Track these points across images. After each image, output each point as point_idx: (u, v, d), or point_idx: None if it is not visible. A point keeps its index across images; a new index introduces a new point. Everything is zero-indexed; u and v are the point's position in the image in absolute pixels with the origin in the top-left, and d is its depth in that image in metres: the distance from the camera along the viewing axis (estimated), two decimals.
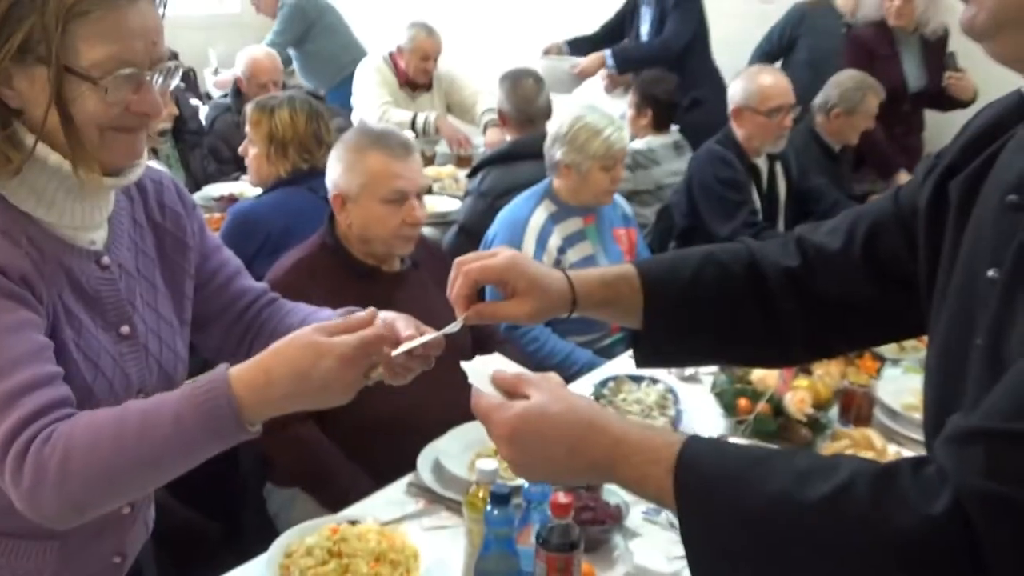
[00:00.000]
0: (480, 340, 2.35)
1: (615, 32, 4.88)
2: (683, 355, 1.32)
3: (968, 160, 0.99)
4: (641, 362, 1.26)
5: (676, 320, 1.20)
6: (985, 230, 0.92)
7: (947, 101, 4.32)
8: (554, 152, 2.79)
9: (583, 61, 4.58)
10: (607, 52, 4.57)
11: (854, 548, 0.77)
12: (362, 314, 1.15)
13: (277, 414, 1.11)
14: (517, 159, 3.27)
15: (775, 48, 4.65)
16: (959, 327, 0.94)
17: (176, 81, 1.21)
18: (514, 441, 0.93)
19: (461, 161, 4.42)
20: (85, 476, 1.05)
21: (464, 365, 1.03)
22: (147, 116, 1.17)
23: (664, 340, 1.21)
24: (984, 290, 0.89)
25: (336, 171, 2.20)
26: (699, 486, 0.86)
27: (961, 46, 4.26)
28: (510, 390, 0.97)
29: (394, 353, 1.24)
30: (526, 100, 3.50)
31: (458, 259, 1.16)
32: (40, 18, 1.06)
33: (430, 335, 1.24)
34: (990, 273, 0.89)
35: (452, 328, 1.18)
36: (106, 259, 1.25)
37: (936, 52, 4.33)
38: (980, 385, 0.86)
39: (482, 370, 1.01)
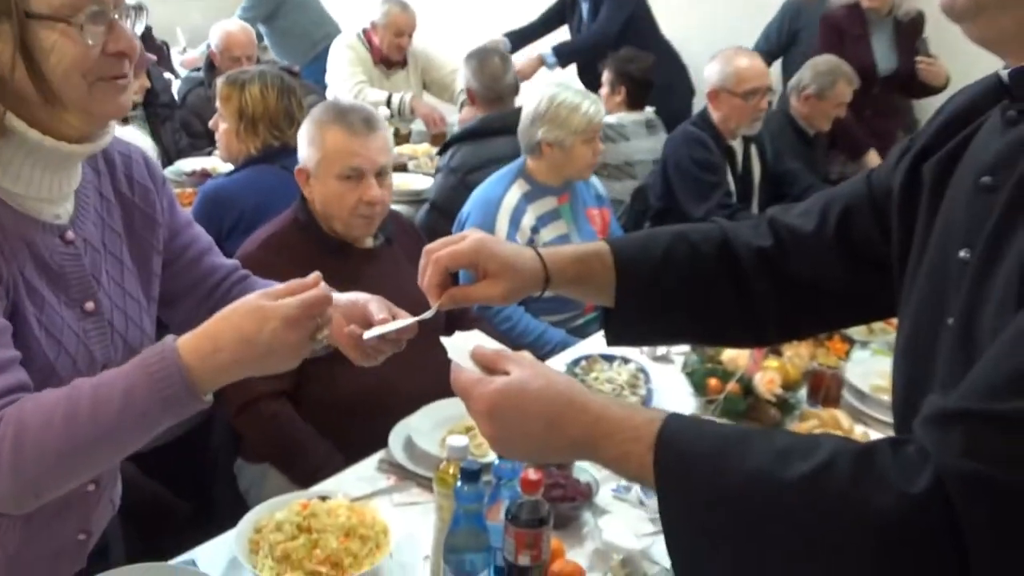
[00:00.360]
0: (453, 319, 2.35)
1: (554, 21, 4.96)
2: (654, 334, 1.32)
3: (942, 142, 1.00)
4: (612, 340, 1.26)
5: (648, 298, 1.20)
6: (958, 211, 0.93)
7: (918, 87, 4.34)
8: (534, 132, 2.79)
9: (519, 63, 4.61)
10: (545, 53, 4.67)
11: (833, 527, 0.77)
12: (307, 278, 1.14)
13: (228, 381, 1.11)
14: (488, 135, 3.27)
15: (775, 47, 4.63)
16: (930, 308, 0.94)
17: (142, 24, 1.18)
18: (493, 417, 0.92)
19: (435, 139, 4.40)
20: (39, 458, 1.03)
21: (444, 340, 1.03)
22: (125, 55, 1.15)
23: (635, 318, 1.21)
24: (956, 271, 0.90)
25: (302, 145, 2.20)
26: (678, 464, 0.85)
27: (934, 33, 4.28)
28: (490, 366, 0.97)
29: (366, 336, 1.24)
30: (494, 78, 3.50)
31: (426, 247, 1.16)
32: None
33: (403, 321, 1.24)
34: (962, 254, 0.89)
35: (426, 315, 1.18)
36: (70, 234, 1.23)
37: (908, 36, 4.33)
38: (951, 365, 0.87)
39: (461, 346, 1.00)
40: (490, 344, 1.01)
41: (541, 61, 4.69)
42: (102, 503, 1.39)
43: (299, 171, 2.18)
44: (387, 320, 1.25)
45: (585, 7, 4.71)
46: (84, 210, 1.26)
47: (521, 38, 4.83)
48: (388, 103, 4.40)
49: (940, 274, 0.94)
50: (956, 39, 0.89)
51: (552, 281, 1.18)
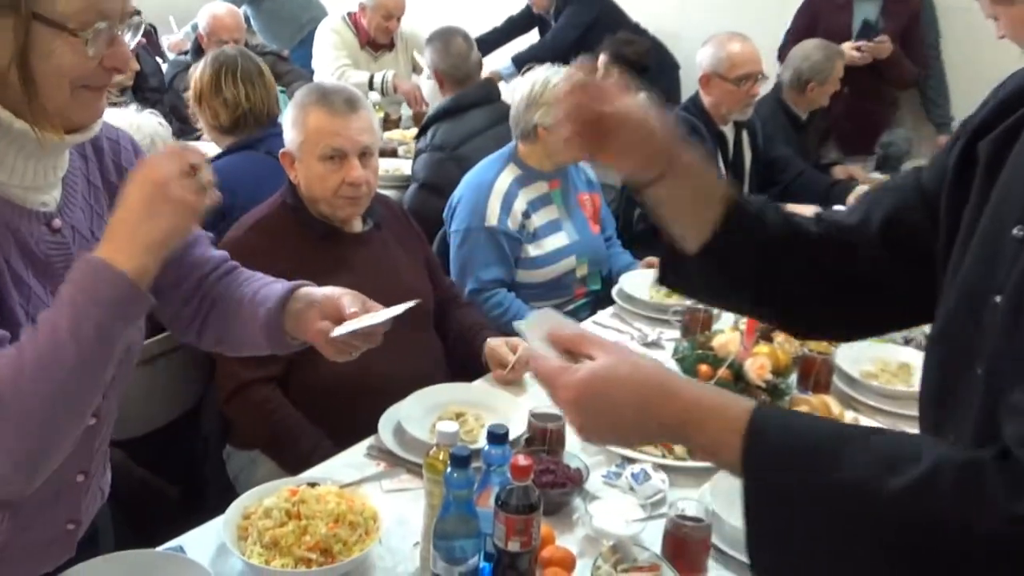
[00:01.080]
0: (443, 304, 2.35)
1: (517, 30, 5.06)
2: (726, 286, 1.17)
3: (999, 120, 0.97)
4: (669, 277, 1.16)
5: (751, 236, 1.10)
6: (1015, 187, 0.91)
7: (893, 71, 4.28)
8: (530, 117, 2.77)
9: None
10: (500, 68, 4.78)
11: (935, 543, 0.76)
12: None
13: (144, 253, 1.10)
14: (465, 109, 3.29)
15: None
16: (976, 285, 0.92)
17: (139, 36, 1.18)
18: (581, 406, 0.92)
19: (416, 118, 4.38)
20: (23, 413, 1.03)
21: (516, 324, 1.02)
22: (118, 71, 1.14)
23: (738, 255, 1.10)
24: (1010, 248, 0.88)
25: (286, 128, 2.18)
26: (772, 460, 0.83)
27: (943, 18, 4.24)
28: (572, 349, 0.95)
29: (333, 334, 1.23)
30: (461, 57, 3.53)
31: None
32: None
33: (372, 317, 1.23)
34: (1016, 231, 0.87)
35: (399, 310, 1.17)
36: (57, 222, 1.21)
37: (895, 15, 4.28)
38: (1001, 343, 0.85)
39: (536, 328, 0.98)
40: (567, 325, 0.99)
41: (498, 77, 4.72)
42: (91, 492, 1.38)
43: (284, 155, 2.17)
44: (357, 315, 1.25)
45: (552, 19, 4.84)
46: (71, 198, 1.24)
47: (485, 46, 4.82)
48: (371, 84, 4.38)
49: (991, 251, 0.91)
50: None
51: (674, 158, 1.06)
